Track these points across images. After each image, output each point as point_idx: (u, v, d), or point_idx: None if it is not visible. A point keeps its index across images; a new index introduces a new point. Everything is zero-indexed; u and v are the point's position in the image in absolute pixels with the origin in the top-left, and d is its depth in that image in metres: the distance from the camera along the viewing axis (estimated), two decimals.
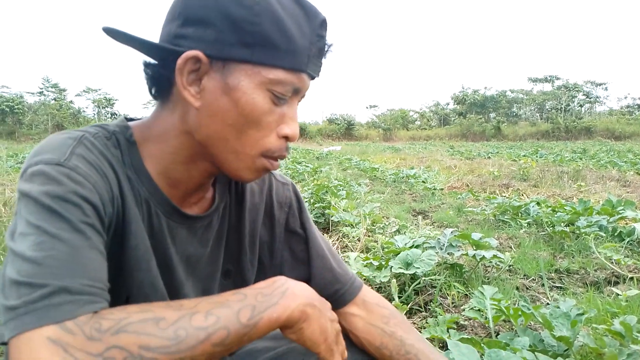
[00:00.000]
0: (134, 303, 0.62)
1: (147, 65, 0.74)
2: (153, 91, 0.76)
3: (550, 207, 4.37)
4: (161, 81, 0.74)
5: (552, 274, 2.76)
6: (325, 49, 0.75)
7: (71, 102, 53.39)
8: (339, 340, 0.76)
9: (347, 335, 0.96)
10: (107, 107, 55.87)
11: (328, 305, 0.76)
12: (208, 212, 0.84)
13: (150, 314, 0.58)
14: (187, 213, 0.80)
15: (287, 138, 0.75)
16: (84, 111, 53.90)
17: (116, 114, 55.33)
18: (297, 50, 0.69)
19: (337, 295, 0.96)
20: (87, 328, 0.54)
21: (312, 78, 0.76)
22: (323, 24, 0.73)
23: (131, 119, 0.81)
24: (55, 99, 51.55)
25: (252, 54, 0.67)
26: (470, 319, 2.05)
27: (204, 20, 0.67)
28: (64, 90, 53.05)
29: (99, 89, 58.21)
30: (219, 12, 0.67)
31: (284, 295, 0.67)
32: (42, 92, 51.91)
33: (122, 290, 0.72)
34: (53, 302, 0.54)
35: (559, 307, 1.69)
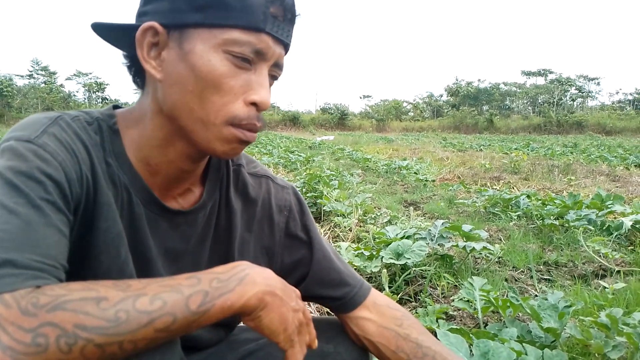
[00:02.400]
0: None
1: (124, 56, 0.77)
2: (134, 79, 0.77)
3: (540, 200, 4.40)
4: (135, 65, 0.75)
5: (541, 267, 2.79)
6: (290, 11, 0.72)
7: (61, 85, 52.84)
8: (302, 331, 0.73)
9: (362, 342, 0.93)
10: (98, 91, 55.31)
11: (294, 294, 0.73)
12: (192, 208, 0.82)
13: (92, 293, 0.55)
14: (167, 206, 0.79)
15: (256, 106, 0.71)
16: (74, 95, 53.41)
17: (107, 99, 54.80)
18: (251, 8, 0.67)
19: (347, 298, 0.93)
20: (24, 302, 0.52)
21: (284, 45, 0.73)
22: None
23: (119, 107, 0.81)
24: (45, 82, 50.95)
25: (205, 16, 0.67)
26: (459, 310, 2.08)
27: None
28: (54, 73, 52.47)
29: (90, 73, 57.67)
30: None
31: (242, 282, 0.64)
32: (32, 75, 51.32)
33: (89, 273, 0.70)
34: None
35: (547, 299, 1.71)
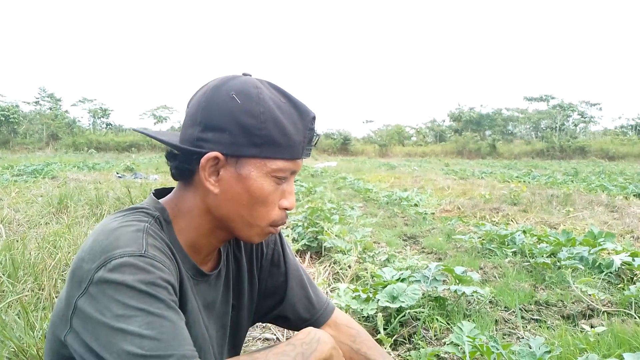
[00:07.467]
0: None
1: (169, 157, 0.97)
2: (176, 175, 0.98)
3: (535, 236, 4.52)
4: (184, 170, 0.96)
5: (532, 306, 2.90)
6: (316, 138, 0.97)
7: (66, 111, 53.40)
8: None
9: None
10: (103, 117, 55.95)
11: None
12: (219, 266, 1.06)
13: None
14: (206, 272, 1.02)
15: (286, 209, 0.99)
16: (79, 121, 53.95)
17: (111, 124, 55.44)
18: (294, 145, 0.91)
19: (314, 319, 1.19)
20: None
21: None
22: (313, 120, 0.95)
23: (159, 192, 1.03)
24: (50, 109, 51.58)
25: (261, 151, 0.89)
26: (449, 353, 2.19)
27: (221, 127, 0.89)
28: (60, 100, 53.16)
29: (95, 99, 58.55)
30: (233, 121, 0.88)
31: (319, 342, 0.97)
32: (38, 101, 52.02)
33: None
34: None
35: (529, 346, 1.84)
